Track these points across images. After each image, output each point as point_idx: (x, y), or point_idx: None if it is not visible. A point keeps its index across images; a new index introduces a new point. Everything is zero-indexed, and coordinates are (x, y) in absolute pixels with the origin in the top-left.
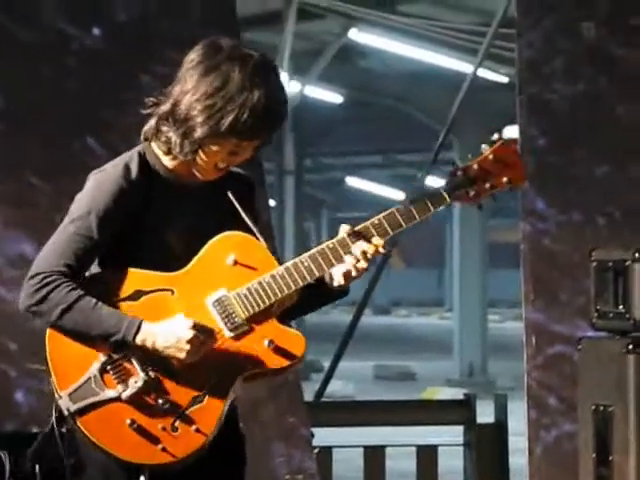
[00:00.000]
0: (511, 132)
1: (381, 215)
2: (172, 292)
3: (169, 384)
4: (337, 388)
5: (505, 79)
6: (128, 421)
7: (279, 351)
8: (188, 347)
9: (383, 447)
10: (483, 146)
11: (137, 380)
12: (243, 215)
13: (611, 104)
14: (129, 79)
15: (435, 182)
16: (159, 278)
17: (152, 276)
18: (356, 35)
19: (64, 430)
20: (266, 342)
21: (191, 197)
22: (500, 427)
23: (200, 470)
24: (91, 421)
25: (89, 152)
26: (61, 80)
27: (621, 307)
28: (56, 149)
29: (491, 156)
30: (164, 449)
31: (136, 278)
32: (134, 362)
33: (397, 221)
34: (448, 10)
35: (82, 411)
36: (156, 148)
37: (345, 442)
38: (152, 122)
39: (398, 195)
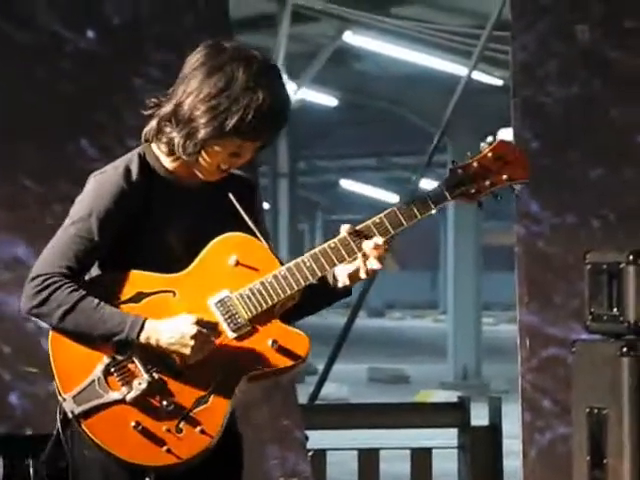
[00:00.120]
0: (505, 135)
1: (382, 214)
2: (174, 294)
3: (173, 385)
4: (331, 391)
5: (499, 82)
6: (133, 423)
7: (283, 351)
8: (192, 343)
9: (377, 450)
10: (482, 144)
11: (141, 382)
12: (244, 216)
13: (605, 107)
14: (122, 82)
15: (429, 185)
16: (160, 280)
17: (153, 278)
18: (350, 38)
19: (69, 432)
20: (270, 342)
21: (191, 198)
22: (494, 430)
23: (200, 471)
24: (95, 423)
25: (83, 154)
26: (55, 82)
27: (615, 310)
28: (50, 151)
29: (490, 154)
30: (169, 451)
31: (137, 280)
32: (138, 364)
33: (398, 220)
34: (442, 13)
35: (86, 413)
36: (156, 149)
37: (339, 445)
38: (153, 123)
39: (392, 198)
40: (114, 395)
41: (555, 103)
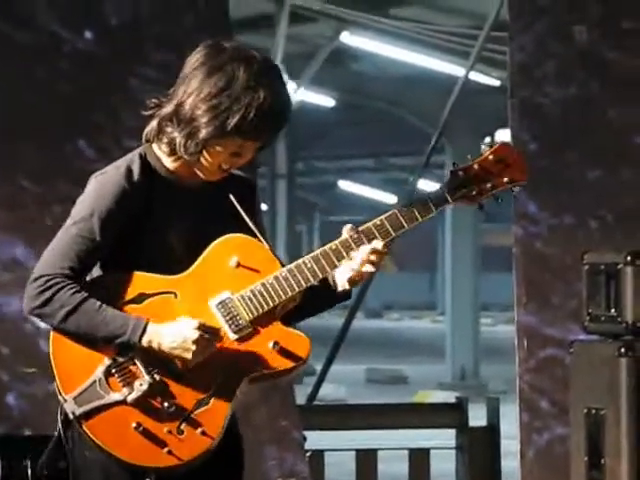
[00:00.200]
0: (503, 136)
1: (383, 216)
2: (175, 295)
3: (174, 387)
4: (329, 391)
5: (497, 82)
6: (134, 424)
7: (284, 353)
8: (194, 347)
9: (375, 450)
10: (483, 146)
11: (142, 383)
12: (245, 217)
13: (603, 107)
14: (121, 82)
15: (427, 185)
16: (162, 281)
17: (155, 279)
18: (348, 38)
19: (69, 433)
20: (271, 344)
21: (192, 199)
22: (492, 430)
23: (201, 472)
24: (96, 424)
25: (81, 155)
26: (53, 82)
27: (613, 310)
28: (48, 152)
29: (491, 156)
30: (170, 452)
31: (139, 281)
32: (139, 365)
33: (399, 222)
34: (440, 13)
35: (87, 414)
36: (157, 149)
37: (337, 445)
38: (154, 123)
39: (390, 198)
40: (115, 396)
41: (553, 104)
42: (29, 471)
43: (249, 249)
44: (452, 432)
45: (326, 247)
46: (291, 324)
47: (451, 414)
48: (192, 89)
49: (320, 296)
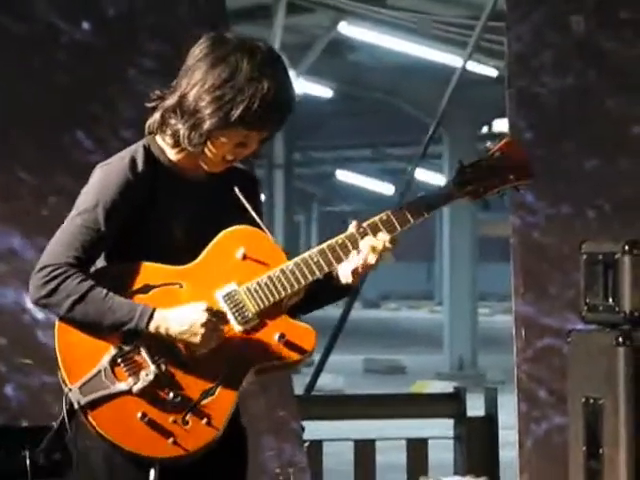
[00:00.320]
0: (500, 125)
1: (389, 211)
2: (181, 286)
3: (180, 377)
4: (327, 382)
5: (494, 72)
6: (139, 414)
7: (290, 345)
8: (203, 331)
9: (373, 440)
10: (489, 144)
11: (148, 373)
12: (249, 209)
13: (600, 97)
14: (118, 73)
15: (424, 175)
16: (168, 272)
17: (160, 269)
18: (346, 29)
19: (74, 423)
20: (277, 336)
21: (196, 190)
22: (490, 420)
23: (205, 462)
24: (101, 414)
25: (78, 146)
26: (51, 73)
27: (611, 300)
28: (45, 143)
29: (498, 154)
30: (175, 442)
31: (145, 271)
32: (145, 355)
33: (405, 217)
34: (437, 3)
35: (92, 404)
36: (161, 141)
37: (335, 435)
38: (157, 116)
39: (388, 188)
40: (121, 386)
41: (550, 94)
42: (27, 462)
43: (255, 241)
44: (450, 422)
45: (332, 241)
46: (297, 317)
47: (449, 404)
48: (196, 80)
49: (325, 290)
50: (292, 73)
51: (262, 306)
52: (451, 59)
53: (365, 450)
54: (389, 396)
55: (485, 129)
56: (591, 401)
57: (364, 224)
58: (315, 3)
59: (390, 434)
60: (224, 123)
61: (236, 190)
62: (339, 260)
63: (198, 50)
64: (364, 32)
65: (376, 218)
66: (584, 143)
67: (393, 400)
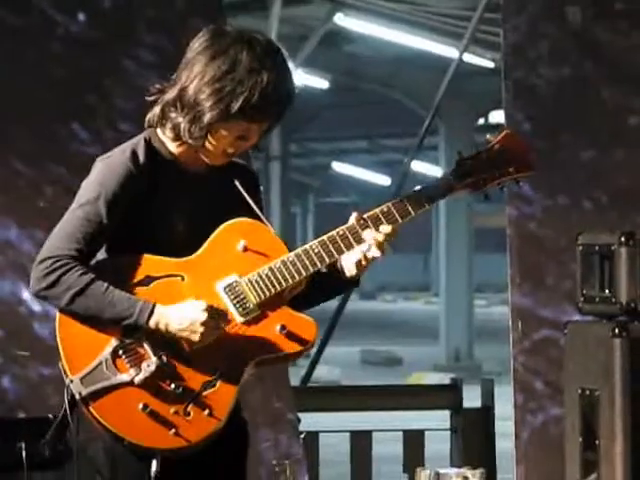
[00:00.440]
0: (497, 117)
1: (390, 202)
2: (182, 278)
3: (182, 368)
4: (323, 373)
5: (491, 64)
6: (140, 405)
7: (291, 336)
8: (202, 329)
9: (369, 432)
10: (488, 136)
11: (150, 364)
12: (250, 202)
13: (597, 88)
14: (113, 65)
15: (421, 167)
16: (169, 264)
17: (162, 261)
18: (342, 20)
19: (75, 414)
20: (278, 327)
21: (197, 183)
22: (487, 412)
23: (207, 455)
24: (103, 405)
25: (74, 138)
26: (47, 65)
27: (607, 291)
28: (41, 135)
29: (497, 146)
30: (177, 433)
31: (146, 263)
32: (146, 346)
33: (406, 209)
34: None
35: (94, 395)
36: (161, 134)
37: (331, 427)
38: (156, 110)
39: (384, 180)
40: (122, 377)
41: (547, 85)
42: (23, 454)
43: (256, 233)
44: (447, 413)
45: (333, 232)
46: (300, 311)
47: (446, 395)
48: (195, 73)
49: (328, 283)
50: (291, 65)
51: (263, 297)
52: (447, 50)
53: (361, 441)
54: (385, 387)
55: (482, 120)
56: (587, 392)
57: (365, 215)
58: None
59: (386, 426)
60: (224, 115)
61: (236, 183)
62: (340, 251)
63: (198, 43)
64: (360, 23)
65: (377, 210)
66: (580, 134)
67: (389, 391)
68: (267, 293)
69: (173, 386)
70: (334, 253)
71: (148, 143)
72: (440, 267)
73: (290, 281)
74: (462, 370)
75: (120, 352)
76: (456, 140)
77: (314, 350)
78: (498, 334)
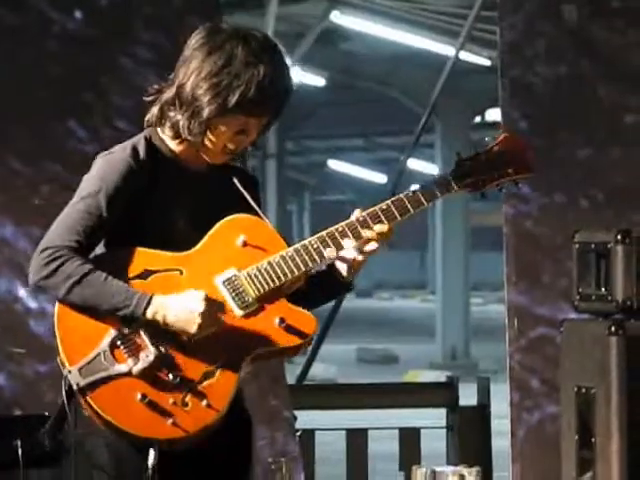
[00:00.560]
0: (493, 115)
1: (389, 200)
2: (181, 272)
3: (180, 359)
4: (319, 371)
5: (487, 62)
6: (139, 396)
7: (290, 330)
8: (200, 320)
9: (365, 430)
10: (487, 138)
11: (148, 354)
12: (249, 199)
13: (593, 86)
14: (110, 63)
15: (417, 165)
16: (168, 258)
17: (161, 256)
18: (338, 18)
19: (73, 405)
20: (277, 321)
21: (197, 180)
22: (483, 410)
23: (209, 448)
24: (101, 396)
25: (71, 136)
26: (43, 63)
27: (604, 289)
28: (38, 133)
29: (496, 147)
30: (175, 423)
31: (145, 257)
32: (145, 337)
33: (405, 206)
34: None
35: (92, 386)
36: (161, 133)
37: (327, 425)
38: (155, 110)
39: (380, 178)
40: (120, 367)
41: (543, 83)
42: (19, 451)
43: (256, 229)
44: (443, 411)
45: (332, 228)
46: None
47: (442, 393)
48: (192, 70)
49: (327, 282)
50: (288, 61)
51: (262, 291)
52: (444, 48)
53: (357, 439)
54: (381, 385)
55: (478, 118)
56: (583, 390)
57: (364, 212)
58: None
59: (382, 423)
60: (222, 110)
61: (235, 181)
62: (339, 247)
63: (194, 40)
64: (357, 21)
65: (376, 207)
66: (577, 132)
67: (385, 389)
68: (266, 287)
69: (171, 376)
70: (333, 249)
71: (148, 141)
72: (436, 265)
73: (289, 276)
74: (458, 368)
75: (118, 343)
76: (452, 138)
77: (310, 348)
78: (494, 332)
